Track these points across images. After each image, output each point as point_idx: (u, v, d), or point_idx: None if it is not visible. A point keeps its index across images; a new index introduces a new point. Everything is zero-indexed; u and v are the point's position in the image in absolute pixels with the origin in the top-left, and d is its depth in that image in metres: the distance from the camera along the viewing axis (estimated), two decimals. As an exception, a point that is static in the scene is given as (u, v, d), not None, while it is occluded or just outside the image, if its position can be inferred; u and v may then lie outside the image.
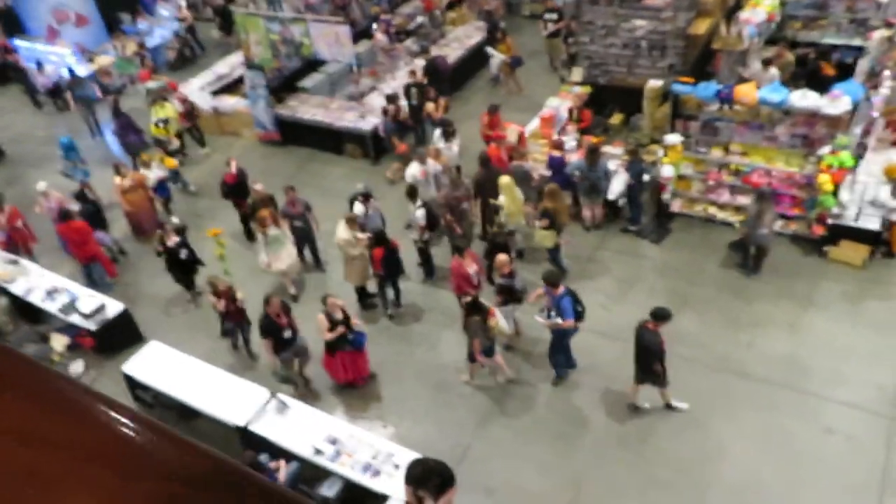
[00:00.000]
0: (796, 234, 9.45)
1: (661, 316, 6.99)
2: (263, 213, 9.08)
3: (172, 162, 11.51)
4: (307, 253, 9.96)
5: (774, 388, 7.61)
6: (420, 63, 12.87)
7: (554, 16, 13.36)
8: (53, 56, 15.29)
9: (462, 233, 9.22)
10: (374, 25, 14.14)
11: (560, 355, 7.86)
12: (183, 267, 9.42)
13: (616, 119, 11.53)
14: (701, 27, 10.96)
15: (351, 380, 8.23)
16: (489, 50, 13.49)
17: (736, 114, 9.39)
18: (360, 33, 13.85)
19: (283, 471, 6.89)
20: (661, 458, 7.10)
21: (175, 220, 10.32)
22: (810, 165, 9.12)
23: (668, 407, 7.46)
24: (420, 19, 14.78)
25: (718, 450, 7.09)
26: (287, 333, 7.85)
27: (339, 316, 7.75)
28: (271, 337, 7.79)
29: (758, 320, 8.45)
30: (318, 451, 7.01)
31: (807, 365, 7.81)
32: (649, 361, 7.11)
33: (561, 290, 7.44)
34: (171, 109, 12.23)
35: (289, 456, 7.08)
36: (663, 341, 6.99)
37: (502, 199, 9.05)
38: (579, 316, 7.57)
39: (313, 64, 13.26)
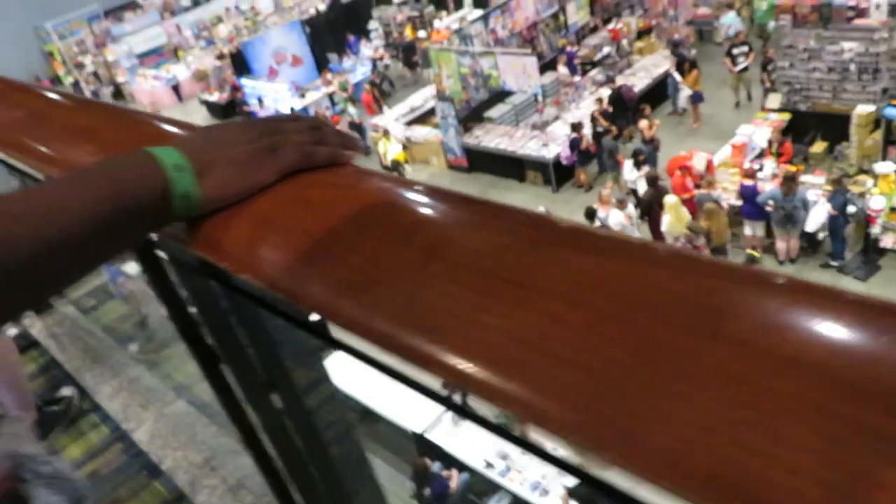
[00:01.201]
0: None
1: None
2: None
3: None
4: None
5: None
6: (606, 92, 12.91)
7: (744, 48, 12.50)
8: (273, 92, 17.24)
9: None
10: (561, 57, 14.41)
11: None
12: None
13: (818, 147, 10.75)
14: (922, 47, 9.97)
15: None
16: (676, 77, 13.14)
17: (963, 141, 8.41)
18: (547, 64, 14.18)
19: (455, 480, 7.17)
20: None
21: None
22: None
23: None
24: (606, 49, 14.82)
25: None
26: None
27: None
28: None
29: None
30: (488, 465, 7.21)
31: None
32: None
33: None
34: (395, 139, 13.23)
35: (461, 466, 7.35)
36: None
37: (667, 219, 8.98)
38: None
39: (500, 95, 13.77)
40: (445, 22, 17.43)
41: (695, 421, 0.29)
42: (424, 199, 0.51)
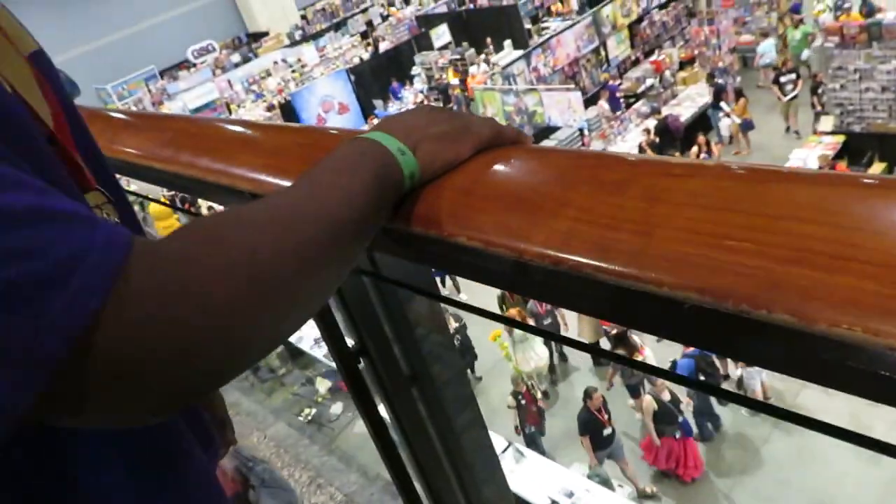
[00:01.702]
0: None
1: None
2: (512, 312, 8.47)
3: None
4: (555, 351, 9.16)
5: None
6: (652, 123, 12.90)
7: (792, 76, 12.26)
8: (320, 140, 17.67)
9: None
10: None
11: (702, 416, 7.50)
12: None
13: (877, 168, 10.50)
14: (981, 61, 9.74)
15: (674, 469, 7.30)
16: (724, 107, 13.03)
17: None
18: (590, 99, 14.26)
19: (520, 518, 7.04)
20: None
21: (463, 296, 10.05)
22: None
23: None
24: (650, 81, 14.85)
25: None
26: (607, 431, 7.23)
27: (666, 397, 7.07)
28: (590, 434, 7.21)
29: None
30: (553, 503, 7.06)
31: None
32: None
33: (688, 349, 7.13)
34: None
35: (524, 504, 7.22)
36: None
37: None
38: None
39: (545, 131, 13.87)
40: (482, 67, 17.67)
41: None
42: (622, 159, 0.55)
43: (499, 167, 0.60)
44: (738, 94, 12.84)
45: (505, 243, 0.53)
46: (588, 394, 7.22)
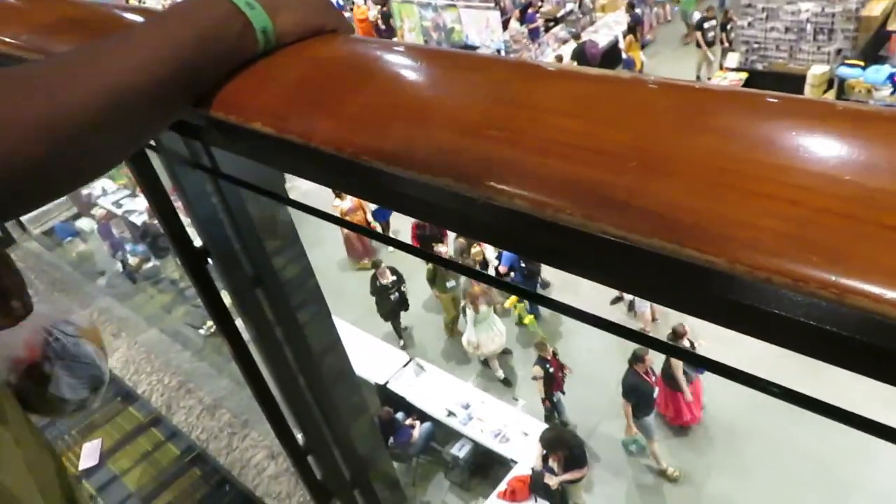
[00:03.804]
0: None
1: None
2: (476, 290, 7.87)
3: None
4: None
5: None
6: (568, 49, 12.90)
7: (713, 23, 12.06)
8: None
9: None
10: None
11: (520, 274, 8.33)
12: (390, 306, 8.86)
13: (772, 107, 10.98)
14: (875, 8, 10.19)
15: (682, 420, 7.06)
16: (620, 42, 13.11)
17: (911, 100, 8.71)
18: (510, 19, 14.02)
19: (417, 429, 7.32)
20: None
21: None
22: None
23: None
24: (570, 6, 14.76)
25: None
26: (656, 393, 6.83)
27: (686, 344, 6.67)
28: (637, 399, 6.69)
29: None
30: (450, 414, 7.37)
31: None
32: None
33: None
34: None
35: (423, 416, 7.50)
36: None
37: None
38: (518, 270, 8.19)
39: (462, 49, 13.61)
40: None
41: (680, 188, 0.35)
42: (421, 53, 0.55)
43: (304, 56, 0.58)
44: (630, 30, 12.86)
45: (296, 130, 0.52)
46: (638, 357, 6.68)
